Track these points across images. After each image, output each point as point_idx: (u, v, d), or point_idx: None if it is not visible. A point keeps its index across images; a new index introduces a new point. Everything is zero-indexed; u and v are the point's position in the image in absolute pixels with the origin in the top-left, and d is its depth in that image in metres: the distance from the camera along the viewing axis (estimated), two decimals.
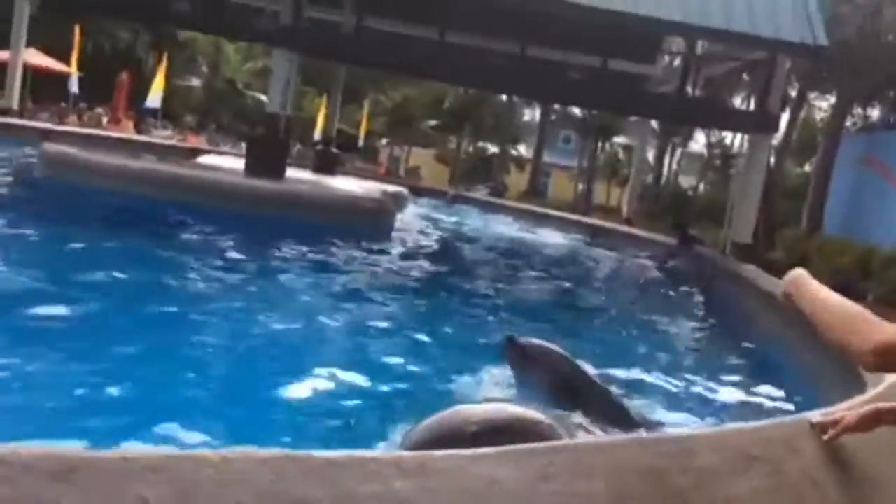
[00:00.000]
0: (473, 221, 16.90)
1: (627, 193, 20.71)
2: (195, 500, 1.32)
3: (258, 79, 34.91)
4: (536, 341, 3.72)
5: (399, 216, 11.84)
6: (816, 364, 4.79)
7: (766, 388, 5.08)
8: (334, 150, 19.08)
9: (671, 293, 9.88)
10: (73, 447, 2.13)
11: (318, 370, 4.14)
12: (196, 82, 36.21)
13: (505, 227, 16.47)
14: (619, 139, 35.57)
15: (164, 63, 24.45)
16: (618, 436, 2.91)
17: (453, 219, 16.64)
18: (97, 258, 6.35)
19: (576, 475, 1.73)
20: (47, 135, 14.24)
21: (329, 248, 8.40)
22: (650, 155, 30.32)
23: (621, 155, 35.77)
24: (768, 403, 4.78)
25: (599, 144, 35.16)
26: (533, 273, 10.31)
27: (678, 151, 37.76)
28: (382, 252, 9.32)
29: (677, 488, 1.82)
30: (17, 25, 16.59)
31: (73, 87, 22.52)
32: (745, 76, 22.20)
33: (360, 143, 31.74)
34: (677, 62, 18.65)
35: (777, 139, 21.00)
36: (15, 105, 17.31)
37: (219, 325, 4.96)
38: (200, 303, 5.42)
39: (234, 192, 9.75)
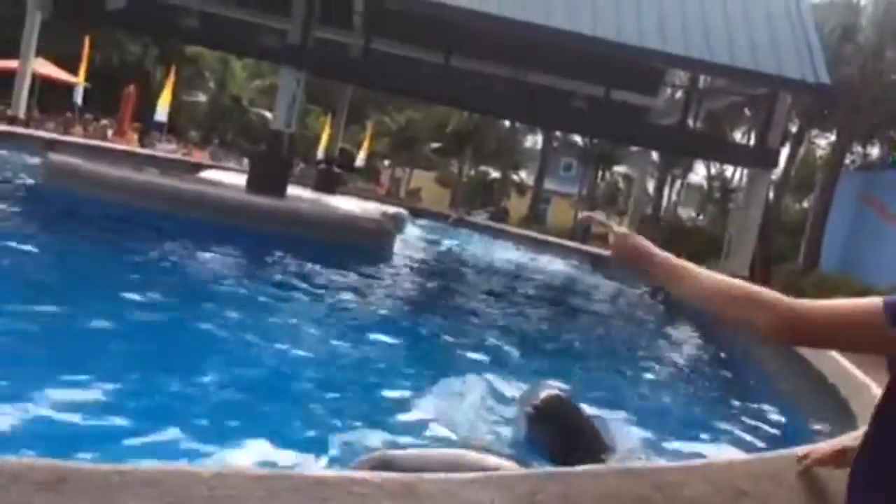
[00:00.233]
0: (473, 246, 16.93)
1: (627, 223, 20.78)
2: None
3: (263, 95, 35.15)
4: (555, 394, 3.65)
5: (399, 237, 11.87)
6: (812, 394, 4.80)
7: (760, 418, 5.09)
8: (336, 169, 19.18)
9: (666, 323, 9.89)
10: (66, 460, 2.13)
11: (299, 390, 4.16)
12: (202, 97, 36.42)
13: (504, 252, 16.50)
14: (620, 168, 35.77)
15: (172, 77, 24.63)
16: (608, 465, 2.91)
17: (454, 242, 16.67)
18: (92, 268, 6.37)
19: (564, 502, 1.74)
20: (52, 145, 14.31)
21: (327, 267, 8.42)
22: (650, 185, 30.44)
23: (621, 184, 35.94)
24: (766, 432, 4.80)
25: (600, 173, 35.34)
26: (528, 300, 10.32)
27: (678, 183, 37.93)
28: (379, 274, 9.33)
29: None
30: (27, 35, 16.74)
31: (78, 97, 22.64)
32: (746, 111, 22.39)
33: (363, 163, 31.91)
34: (679, 95, 18.81)
35: (777, 174, 21.13)
36: (21, 114, 17.41)
37: (210, 338, 4.97)
38: (193, 316, 5.43)
39: (235, 207, 9.79)
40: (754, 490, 2.06)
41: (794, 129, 22.16)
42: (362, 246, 9.81)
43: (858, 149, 23.49)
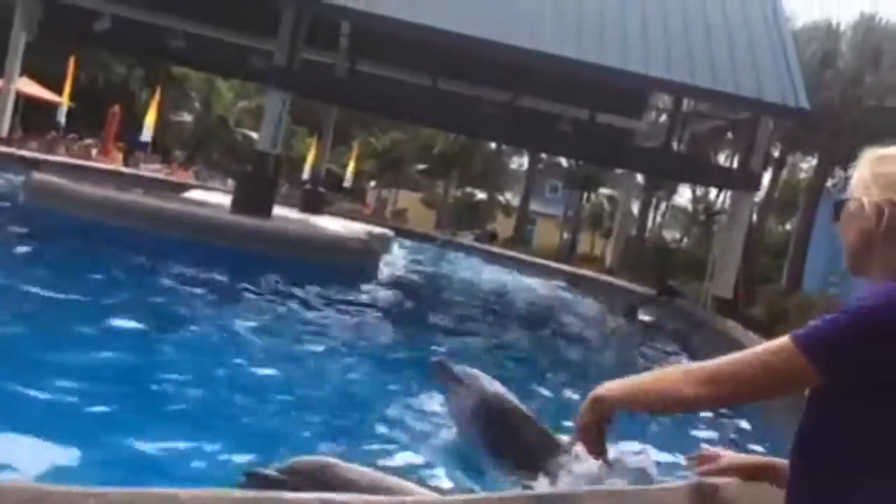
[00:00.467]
0: (458, 266, 16.94)
1: (612, 244, 20.89)
2: None
3: (249, 116, 35.15)
4: (464, 367, 3.98)
5: (384, 257, 11.86)
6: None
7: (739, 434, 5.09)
8: (322, 189, 19.17)
9: (640, 339, 10.01)
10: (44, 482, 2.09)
11: (277, 408, 4.14)
12: (188, 117, 36.38)
13: (489, 273, 16.51)
14: (605, 191, 35.99)
15: (157, 98, 24.60)
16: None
17: (440, 262, 16.68)
18: (72, 287, 6.30)
19: None
20: (35, 164, 14.22)
21: (311, 287, 8.38)
22: (635, 207, 30.64)
23: (606, 206, 36.14)
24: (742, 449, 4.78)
25: (585, 195, 35.55)
26: (505, 316, 10.35)
27: (663, 205, 38.20)
28: (362, 294, 9.31)
29: None
30: (11, 54, 16.67)
31: (61, 117, 22.55)
32: (729, 135, 22.63)
33: (349, 183, 31.92)
34: (663, 118, 19.00)
35: (760, 197, 21.33)
36: (4, 133, 17.30)
37: (187, 357, 4.94)
38: (171, 335, 5.39)
39: (220, 227, 9.74)
40: None
41: (776, 153, 22.42)
42: (347, 266, 9.79)
43: (840, 172, 23.78)
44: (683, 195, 37.83)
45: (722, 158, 26.13)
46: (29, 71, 20.42)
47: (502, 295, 13.61)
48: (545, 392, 5.81)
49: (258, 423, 3.95)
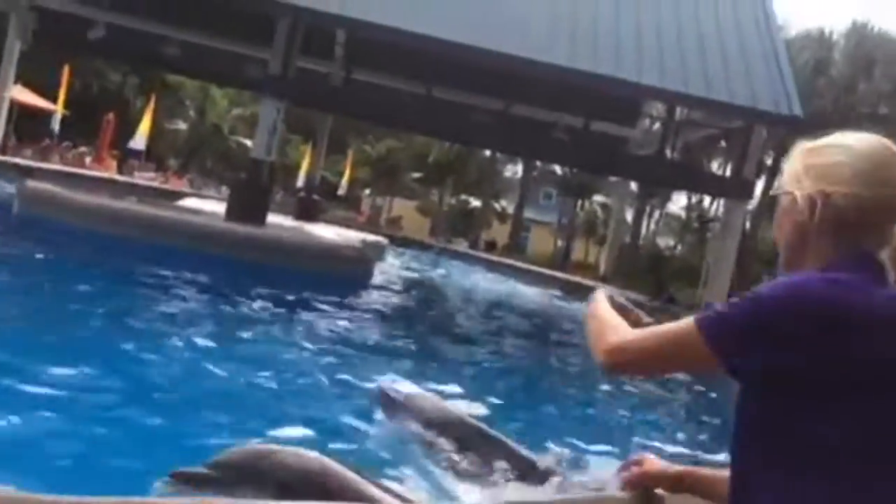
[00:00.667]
0: (452, 273, 16.95)
1: (606, 252, 20.93)
2: None
3: (244, 124, 35.16)
4: (403, 386, 4.07)
5: (378, 265, 11.86)
6: None
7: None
8: (316, 197, 19.18)
9: None
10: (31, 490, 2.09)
11: (271, 412, 4.15)
12: (182, 125, 36.36)
13: (483, 280, 16.52)
14: (599, 198, 36.08)
15: (152, 105, 24.60)
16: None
17: (436, 269, 16.68)
18: (67, 295, 6.29)
19: None
20: (29, 172, 14.20)
21: (305, 294, 8.37)
22: (629, 215, 30.72)
23: (600, 213, 36.22)
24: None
25: (579, 202, 35.64)
26: (495, 323, 10.36)
27: (657, 212, 38.31)
28: (356, 301, 9.30)
29: None
30: (6, 62, 16.66)
31: (55, 124, 22.53)
32: (722, 143, 22.76)
33: (343, 191, 31.92)
34: (657, 126, 19.08)
35: (753, 205, 21.42)
36: None
37: (179, 364, 4.93)
38: (165, 343, 5.38)
39: (215, 235, 9.74)
40: None
41: (769, 161, 22.53)
42: (342, 273, 9.79)
43: None
44: (677, 203, 37.98)
45: (715, 166, 26.27)
46: (23, 79, 20.40)
47: (498, 305, 13.62)
48: (549, 408, 5.83)
49: (248, 426, 3.94)
